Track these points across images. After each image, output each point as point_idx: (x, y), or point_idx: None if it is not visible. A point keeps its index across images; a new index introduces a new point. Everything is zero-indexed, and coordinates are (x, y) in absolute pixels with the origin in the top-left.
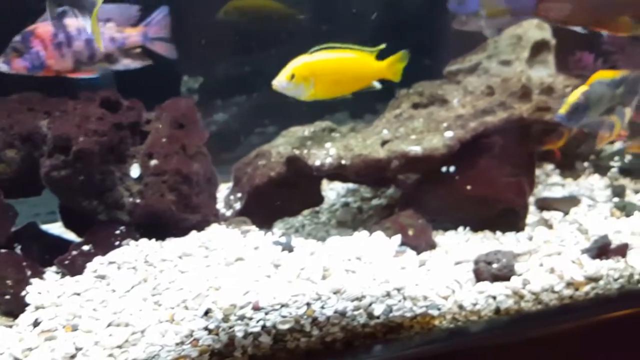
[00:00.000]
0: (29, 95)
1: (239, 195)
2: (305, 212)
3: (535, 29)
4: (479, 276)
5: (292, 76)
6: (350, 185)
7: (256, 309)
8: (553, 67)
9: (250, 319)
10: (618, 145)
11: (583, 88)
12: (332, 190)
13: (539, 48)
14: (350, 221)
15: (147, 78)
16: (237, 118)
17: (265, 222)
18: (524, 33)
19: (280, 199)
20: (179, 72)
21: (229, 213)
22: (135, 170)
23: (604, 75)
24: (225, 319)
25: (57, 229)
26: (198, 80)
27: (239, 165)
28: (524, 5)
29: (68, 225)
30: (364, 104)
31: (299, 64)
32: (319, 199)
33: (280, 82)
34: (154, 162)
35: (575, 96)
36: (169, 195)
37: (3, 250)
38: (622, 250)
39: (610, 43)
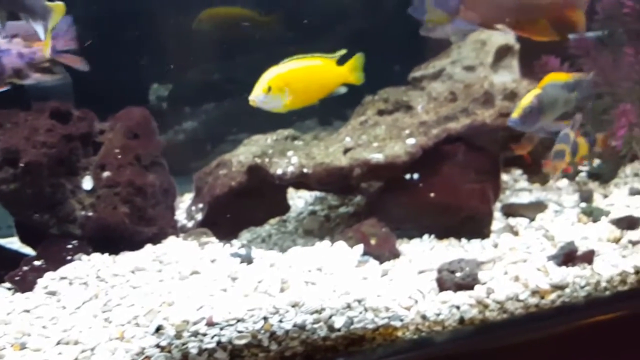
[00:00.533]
0: None
1: (201, 205)
2: (273, 221)
3: (498, 34)
4: (442, 285)
5: (269, 88)
6: (318, 194)
7: (210, 324)
8: (517, 72)
9: (205, 334)
10: None
11: (536, 91)
12: (300, 199)
13: (502, 53)
14: (317, 230)
15: (108, 87)
16: (207, 126)
17: (229, 233)
18: (487, 38)
19: (244, 208)
20: (145, 81)
21: (190, 224)
22: (87, 183)
23: (556, 77)
24: (178, 335)
25: (17, 243)
26: (168, 88)
27: (199, 174)
28: (450, 9)
29: (24, 239)
30: (333, 111)
31: (273, 75)
32: (285, 208)
33: (257, 96)
34: (106, 173)
35: (527, 100)
36: (122, 208)
37: None
38: (588, 257)
39: (576, 47)
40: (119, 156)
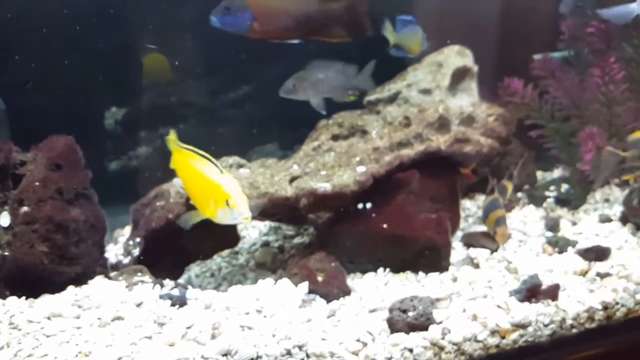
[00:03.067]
0: None
1: (138, 240)
2: (225, 253)
3: (456, 56)
4: (393, 326)
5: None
6: (273, 223)
7: None
8: (476, 95)
9: None
10: (556, 173)
11: None
12: (254, 229)
13: (460, 75)
14: (270, 262)
15: (50, 114)
16: (162, 151)
17: (172, 269)
18: (444, 60)
19: (187, 242)
20: (91, 106)
21: (127, 260)
22: (4, 219)
23: None
24: None
25: None
26: (121, 112)
27: (136, 206)
28: (243, 29)
29: None
30: (294, 135)
31: (236, 187)
32: (235, 240)
33: (248, 212)
34: (24, 209)
35: None
36: (41, 247)
37: None
38: (553, 292)
39: (541, 68)
40: (39, 190)
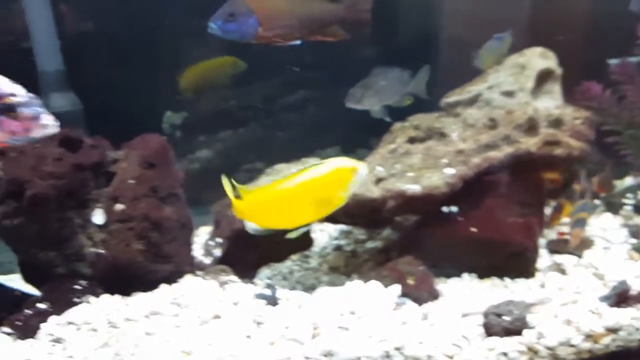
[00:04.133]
0: None
1: (220, 240)
2: (294, 256)
3: (538, 58)
4: (488, 330)
5: None
6: (343, 227)
7: None
8: (560, 98)
9: None
10: (630, 180)
11: None
12: (323, 232)
13: (543, 77)
14: (343, 266)
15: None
16: (222, 154)
17: (248, 270)
18: (527, 62)
19: (265, 243)
20: (158, 107)
21: (207, 261)
22: (98, 217)
23: None
24: None
25: (18, 280)
26: (182, 116)
27: (219, 207)
28: (248, 35)
29: (28, 278)
30: (356, 139)
31: (342, 158)
32: (308, 243)
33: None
34: (119, 206)
35: None
36: (136, 244)
37: None
38: None
39: (619, 72)
40: (134, 187)
